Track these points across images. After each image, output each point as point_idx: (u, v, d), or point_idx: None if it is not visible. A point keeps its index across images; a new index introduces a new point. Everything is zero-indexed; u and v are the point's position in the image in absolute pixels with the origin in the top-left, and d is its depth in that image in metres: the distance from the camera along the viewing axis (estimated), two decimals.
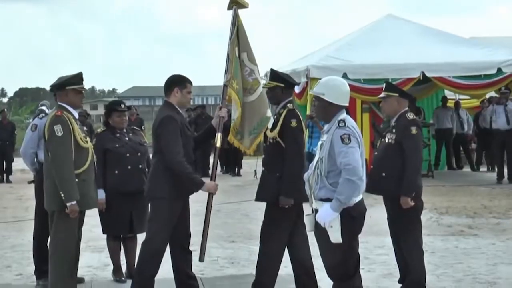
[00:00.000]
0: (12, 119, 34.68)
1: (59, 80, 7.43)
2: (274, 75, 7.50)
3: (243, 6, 8.04)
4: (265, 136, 7.53)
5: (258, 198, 7.50)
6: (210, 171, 19.71)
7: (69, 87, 7.31)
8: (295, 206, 7.22)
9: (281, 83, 7.37)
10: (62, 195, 7.02)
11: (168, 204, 7.25)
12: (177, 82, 7.46)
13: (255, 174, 18.03)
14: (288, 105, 7.30)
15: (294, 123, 7.19)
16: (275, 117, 7.41)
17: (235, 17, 7.94)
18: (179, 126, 7.23)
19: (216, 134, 7.61)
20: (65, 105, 7.30)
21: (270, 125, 7.44)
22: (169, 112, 7.28)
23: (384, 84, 7.88)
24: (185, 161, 7.22)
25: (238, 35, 7.92)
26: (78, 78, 7.38)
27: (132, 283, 7.45)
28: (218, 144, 7.61)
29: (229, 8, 8.00)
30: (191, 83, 7.53)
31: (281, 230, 7.29)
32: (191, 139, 7.46)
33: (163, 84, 7.58)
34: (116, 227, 8.40)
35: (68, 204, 7.03)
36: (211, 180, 7.52)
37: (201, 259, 7.56)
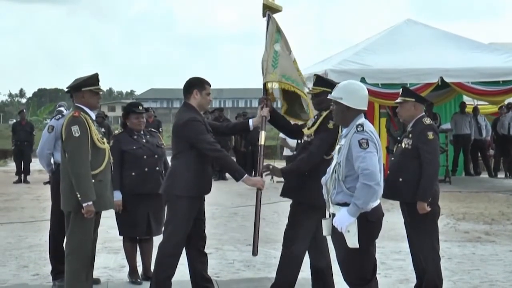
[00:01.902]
0: (30, 120, 34.94)
1: (76, 81, 7.45)
2: (320, 80, 7.49)
3: (277, 10, 8.15)
4: (300, 133, 7.53)
5: (284, 194, 7.50)
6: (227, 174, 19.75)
7: (85, 88, 7.32)
8: (321, 210, 7.20)
9: (327, 88, 7.29)
10: (79, 195, 7.03)
11: (186, 203, 7.27)
12: (196, 84, 7.50)
13: (272, 177, 18.03)
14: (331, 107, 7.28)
15: (331, 125, 7.15)
16: (315, 117, 7.40)
17: (269, 22, 8.04)
18: (204, 125, 7.33)
19: (260, 133, 7.69)
20: (82, 106, 7.31)
21: (309, 123, 7.44)
22: (192, 114, 7.33)
23: (401, 89, 7.86)
24: (204, 161, 7.34)
25: (281, 36, 8.03)
26: (94, 79, 7.39)
27: (150, 284, 7.48)
28: (262, 142, 7.66)
29: (264, 15, 8.10)
30: (210, 85, 7.58)
31: (305, 234, 7.28)
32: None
33: (181, 87, 7.62)
34: (133, 229, 8.41)
35: (84, 205, 7.04)
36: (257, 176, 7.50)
37: (254, 253, 7.55)
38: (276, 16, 8.17)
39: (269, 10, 8.10)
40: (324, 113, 7.24)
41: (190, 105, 7.45)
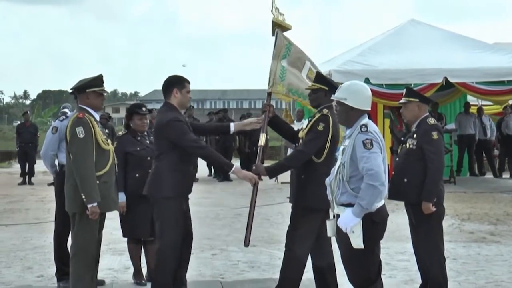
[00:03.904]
0: (35, 122, 34.98)
1: (80, 82, 7.45)
2: (319, 77, 7.53)
3: (286, 28, 8.29)
4: (298, 137, 7.56)
5: (290, 200, 7.53)
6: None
7: (89, 89, 7.32)
8: (321, 212, 7.19)
9: (325, 86, 7.36)
10: (83, 196, 7.03)
11: (174, 203, 7.25)
12: (175, 83, 7.47)
13: (276, 178, 18.03)
14: (324, 110, 7.28)
15: (321, 127, 7.17)
16: (309, 119, 7.43)
17: (277, 39, 8.13)
18: (186, 125, 7.31)
19: (261, 134, 7.74)
20: (86, 108, 7.31)
21: (303, 126, 7.47)
22: (173, 114, 7.31)
23: (405, 89, 7.85)
24: (186, 161, 7.35)
25: (291, 51, 8.16)
26: (98, 81, 7.39)
27: (152, 286, 7.47)
28: (262, 143, 7.71)
29: (273, 34, 8.21)
30: (189, 83, 7.54)
31: (307, 235, 7.27)
32: None
33: None
34: (136, 230, 8.41)
35: (89, 206, 7.04)
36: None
37: (246, 244, 7.57)
38: (286, 33, 8.26)
39: (278, 28, 8.19)
40: (317, 116, 7.27)
41: (171, 104, 7.42)
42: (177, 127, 7.23)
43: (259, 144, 7.75)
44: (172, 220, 7.25)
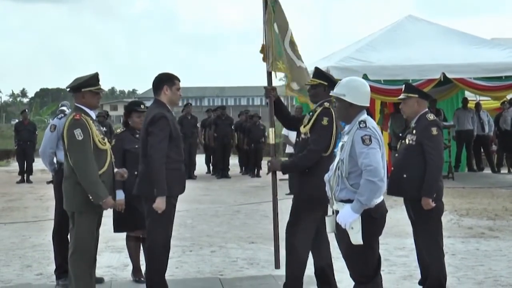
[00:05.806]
0: (33, 120, 34.93)
1: (75, 81, 7.38)
2: (318, 73, 7.55)
3: None
4: (298, 131, 7.55)
5: (290, 192, 7.54)
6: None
7: (85, 89, 7.28)
8: (323, 205, 7.19)
9: (324, 82, 7.38)
10: (91, 197, 6.99)
11: (168, 202, 7.17)
12: (165, 80, 7.41)
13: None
14: (325, 103, 7.30)
15: (325, 121, 7.19)
16: (310, 113, 7.42)
17: (266, 3, 8.12)
18: (170, 125, 7.21)
19: (269, 130, 7.78)
20: (82, 107, 7.26)
21: (305, 121, 7.45)
22: (160, 110, 7.24)
23: (404, 85, 7.85)
24: (177, 160, 7.24)
25: (275, 17, 8.11)
26: (94, 79, 7.34)
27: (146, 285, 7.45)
28: (271, 141, 7.72)
29: None
30: (179, 80, 7.48)
31: (308, 229, 7.27)
32: (181, 138, 7.47)
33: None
34: (135, 228, 8.40)
35: (100, 203, 6.99)
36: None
37: (277, 266, 7.72)
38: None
39: None
40: (319, 110, 7.27)
41: (160, 101, 7.36)
42: (161, 124, 7.12)
43: (268, 142, 7.75)
44: (163, 219, 7.20)
